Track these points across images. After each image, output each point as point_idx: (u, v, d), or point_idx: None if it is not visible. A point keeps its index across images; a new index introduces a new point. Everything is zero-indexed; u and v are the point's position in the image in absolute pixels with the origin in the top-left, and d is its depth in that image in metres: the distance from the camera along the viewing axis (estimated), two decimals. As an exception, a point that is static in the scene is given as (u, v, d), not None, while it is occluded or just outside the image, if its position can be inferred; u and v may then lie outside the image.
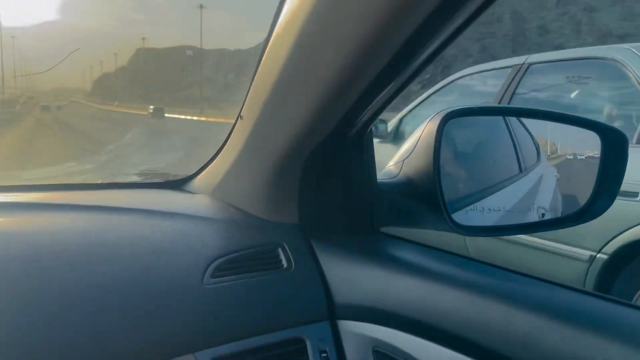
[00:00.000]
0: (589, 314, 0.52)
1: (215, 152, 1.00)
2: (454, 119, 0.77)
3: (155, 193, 1.06)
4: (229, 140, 0.90)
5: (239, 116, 0.81)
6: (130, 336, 0.62)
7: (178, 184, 1.10)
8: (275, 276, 0.73)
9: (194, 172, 1.09)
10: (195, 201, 0.97)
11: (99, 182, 1.15)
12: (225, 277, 0.70)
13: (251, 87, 0.76)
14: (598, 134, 0.82)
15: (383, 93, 0.65)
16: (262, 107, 0.73)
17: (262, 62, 0.71)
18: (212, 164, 0.99)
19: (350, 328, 0.69)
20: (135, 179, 1.20)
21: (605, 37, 43.19)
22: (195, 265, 0.71)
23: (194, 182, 1.05)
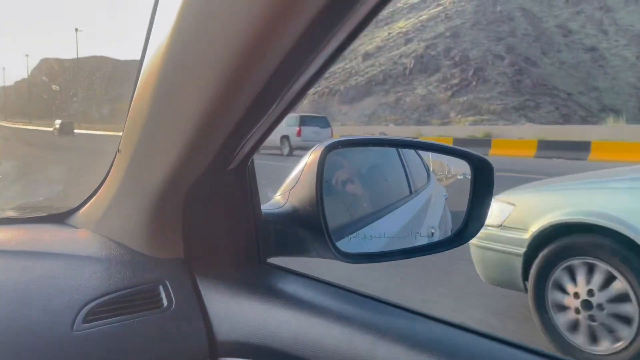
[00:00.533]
0: (448, 345, 0.55)
1: (97, 184, 0.95)
2: (336, 149, 0.79)
3: (33, 229, 0.98)
4: (109, 174, 0.86)
5: (118, 150, 0.78)
6: None
7: (62, 218, 1.02)
8: (154, 316, 0.70)
9: (79, 204, 1.02)
10: (76, 237, 0.91)
11: None
12: (99, 322, 0.66)
13: (127, 121, 0.74)
14: (469, 163, 0.88)
15: (258, 126, 0.65)
16: (137, 141, 0.71)
17: (134, 95, 0.69)
18: (95, 196, 0.94)
19: None
20: (11, 213, 1.10)
21: (637, 38, 40.90)
22: (64, 310, 0.66)
23: (77, 216, 0.99)
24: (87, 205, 0.97)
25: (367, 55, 44.77)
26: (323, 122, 18.45)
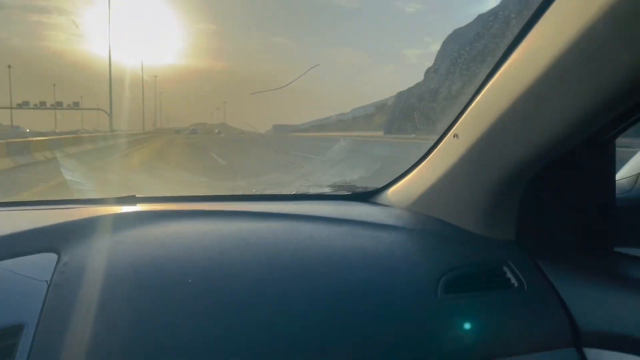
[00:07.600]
0: None
1: (407, 167, 1.02)
2: None
3: (345, 205, 1.09)
4: (432, 156, 0.90)
5: (454, 135, 0.81)
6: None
7: (366, 197, 1.13)
8: (507, 296, 0.72)
9: (383, 185, 1.11)
10: (395, 213, 0.98)
11: (293, 193, 1.23)
12: (458, 294, 0.71)
13: (470, 108, 0.76)
14: None
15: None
16: (488, 126, 0.72)
17: (491, 81, 0.70)
18: (407, 178, 1.00)
19: (598, 357, 0.66)
20: (326, 190, 1.27)
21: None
22: (426, 278, 0.72)
23: (385, 195, 1.07)
24: (396, 186, 1.04)
25: None
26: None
